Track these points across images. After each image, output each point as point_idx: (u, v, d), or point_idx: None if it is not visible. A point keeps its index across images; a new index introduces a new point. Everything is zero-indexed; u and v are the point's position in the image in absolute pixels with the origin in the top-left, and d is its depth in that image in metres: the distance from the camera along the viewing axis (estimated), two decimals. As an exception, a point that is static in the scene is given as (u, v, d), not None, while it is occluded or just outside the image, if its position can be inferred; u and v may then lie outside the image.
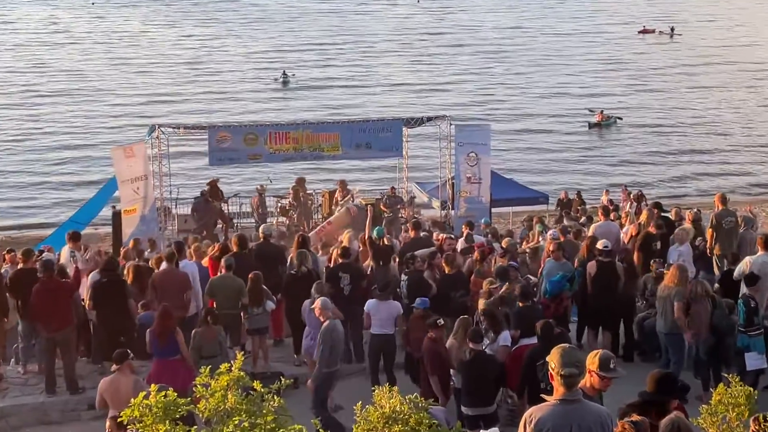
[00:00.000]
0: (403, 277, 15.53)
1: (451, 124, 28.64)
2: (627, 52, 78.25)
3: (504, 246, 17.35)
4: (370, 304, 14.40)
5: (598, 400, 7.42)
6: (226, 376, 6.97)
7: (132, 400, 6.80)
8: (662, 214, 19.06)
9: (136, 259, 17.67)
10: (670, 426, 7.13)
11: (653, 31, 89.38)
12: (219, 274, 15.82)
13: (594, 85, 64.23)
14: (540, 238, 19.46)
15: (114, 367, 11.66)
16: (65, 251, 17.12)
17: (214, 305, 15.02)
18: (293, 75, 65.06)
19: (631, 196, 29.36)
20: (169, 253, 15.91)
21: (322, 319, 12.73)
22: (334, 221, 26.12)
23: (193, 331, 13.82)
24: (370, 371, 14.32)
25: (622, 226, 20.46)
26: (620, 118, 52.64)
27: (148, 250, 20.37)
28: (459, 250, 17.32)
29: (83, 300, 15.34)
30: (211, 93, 61.09)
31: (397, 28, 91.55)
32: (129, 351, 12.00)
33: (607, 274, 15.26)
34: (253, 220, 29.12)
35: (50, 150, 47.01)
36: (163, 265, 16.07)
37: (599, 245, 15.57)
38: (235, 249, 16.63)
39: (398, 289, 15.47)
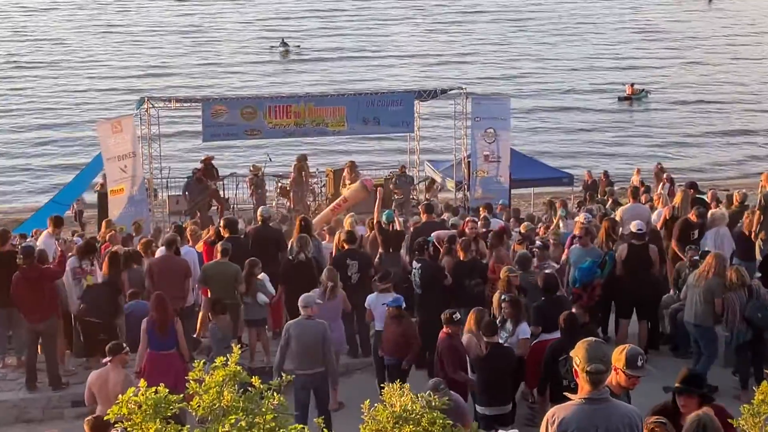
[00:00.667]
0: (416, 264, 15.47)
1: (467, 98, 28.59)
2: (663, 20, 77.78)
3: (522, 231, 17.30)
4: (370, 298, 14.37)
5: (625, 399, 7.39)
6: (222, 371, 6.96)
7: (120, 396, 6.81)
8: (698, 195, 18.99)
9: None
10: (696, 423, 7.11)
11: None
12: (213, 260, 15.82)
13: (626, 57, 63.81)
14: (561, 224, 19.41)
15: (105, 359, 11.71)
16: (43, 236, 17.02)
17: (208, 294, 15.03)
18: (298, 46, 64.75)
19: (665, 175, 29.27)
20: (170, 239, 15.90)
21: (303, 314, 12.57)
22: (350, 197, 26.03)
23: (211, 324, 14.10)
24: (377, 367, 14.32)
25: (653, 209, 20.39)
26: (649, 92, 52.56)
27: (133, 234, 20.37)
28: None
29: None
30: (205, 64, 61.07)
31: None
32: (123, 344, 12.05)
33: (639, 258, 15.25)
34: (251, 202, 29.11)
35: (31, 127, 47.00)
36: (161, 251, 16.06)
37: (633, 227, 15.56)
38: (225, 234, 16.57)
39: (410, 278, 15.43)
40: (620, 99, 51.80)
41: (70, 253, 15.77)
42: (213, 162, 29.21)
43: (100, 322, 14.50)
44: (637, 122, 49.07)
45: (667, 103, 51.79)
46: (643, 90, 52.38)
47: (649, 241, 15.93)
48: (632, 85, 52.57)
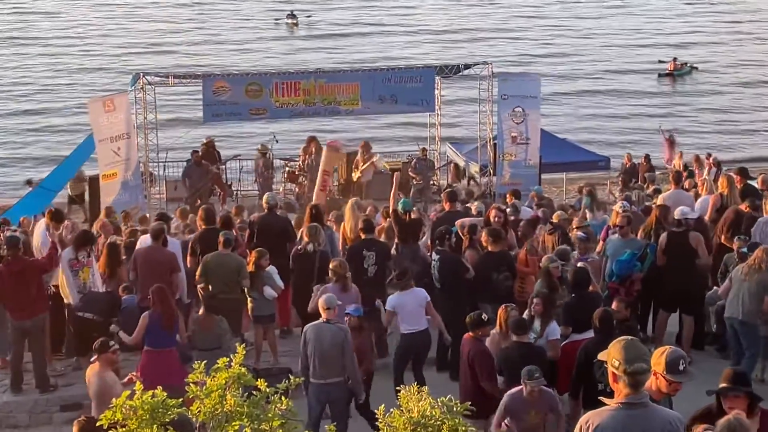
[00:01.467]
0: (435, 256, 15.48)
1: (493, 74, 28.52)
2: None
3: (555, 220, 17.28)
4: (392, 299, 14.22)
5: (666, 405, 7.38)
6: (225, 372, 6.98)
7: (92, 400, 6.84)
8: (747, 181, 18.92)
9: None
10: (726, 427, 7.10)
11: None
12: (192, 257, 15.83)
13: (671, 31, 63.21)
14: (588, 214, 19.38)
15: (93, 357, 11.80)
16: (39, 227, 16.92)
17: (209, 289, 15.06)
18: (309, 16, 64.52)
19: (711, 159, 29.17)
20: (156, 229, 15.83)
21: (323, 316, 12.43)
22: (326, 166, 26.04)
23: (190, 319, 13.94)
24: (396, 370, 14.32)
25: (697, 195, 20.34)
26: (696, 68, 52.29)
27: (121, 224, 20.38)
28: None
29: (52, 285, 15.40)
30: (205, 36, 61.01)
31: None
32: (111, 341, 12.13)
33: (681, 247, 15.24)
34: (256, 188, 29.15)
35: (16, 106, 47.07)
36: (146, 242, 16.04)
37: (677, 213, 15.54)
38: (201, 225, 16.49)
39: (431, 271, 15.44)
40: (660, 75, 51.52)
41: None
42: (215, 144, 29.27)
43: (95, 319, 14.56)
44: (676, 100, 48.80)
45: (716, 83, 51.41)
46: (686, 64, 52.05)
47: (694, 230, 15.92)
48: (675, 60, 52.28)
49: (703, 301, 15.70)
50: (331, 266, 14.41)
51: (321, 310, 12.40)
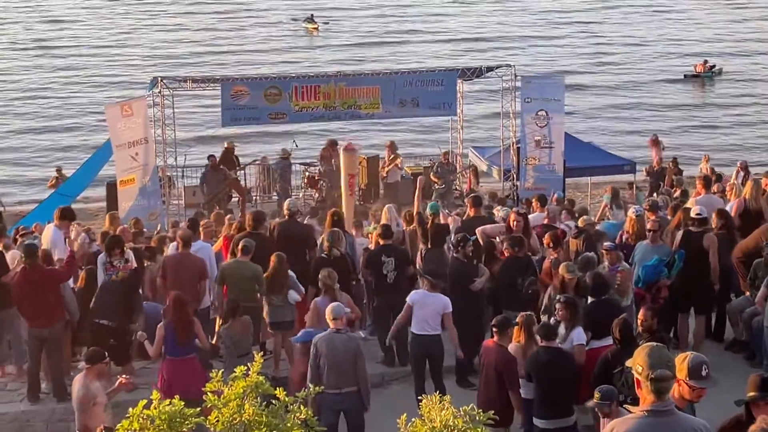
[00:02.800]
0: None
1: (516, 76, 28.49)
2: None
3: (580, 225, 17.24)
4: (416, 294, 14.20)
5: (689, 413, 7.34)
6: (242, 381, 6.98)
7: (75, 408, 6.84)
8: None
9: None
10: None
11: None
12: (232, 257, 15.87)
13: (699, 35, 62.89)
14: (609, 214, 19.30)
15: (82, 364, 11.84)
16: (49, 231, 17.07)
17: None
18: (326, 23, 64.23)
19: (739, 163, 29.06)
20: (186, 236, 15.98)
21: (332, 327, 12.48)
22: (349, 169, 25.90)
23: (220, 329, 14.11)
24: (415, 377, 14.32)
25: (726, 201, 20.24)
26: (721, 70, 52.06)
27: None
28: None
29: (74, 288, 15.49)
30: (224, 40, 61.11)
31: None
32: (105, 353, 12.23)
33: (694, 246, 15.26)
34: (274, 194, 29.17)
35: (31, 114, 47.17)
36: (172, 249, 16.14)
37: (693, 212, 15.54)
38: (249, 228, 16.60)
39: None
40: (686, 77, 51.27)
41: (94, 246, 15.89)
42: (234, 149, 29.30)
43: (110, 325, 14.63)
44: (704, 102, 48.58)
45: (745, 83, 51.11)
46: (714, 66, 51.79)
47: (726, 234, 15.89)
48: (705, 62, 51.95)
49: (713, 302, 15.64)
50: (320, 276, 14.35)
51: (329, 321, 12.42)
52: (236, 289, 15.19)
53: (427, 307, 13.98)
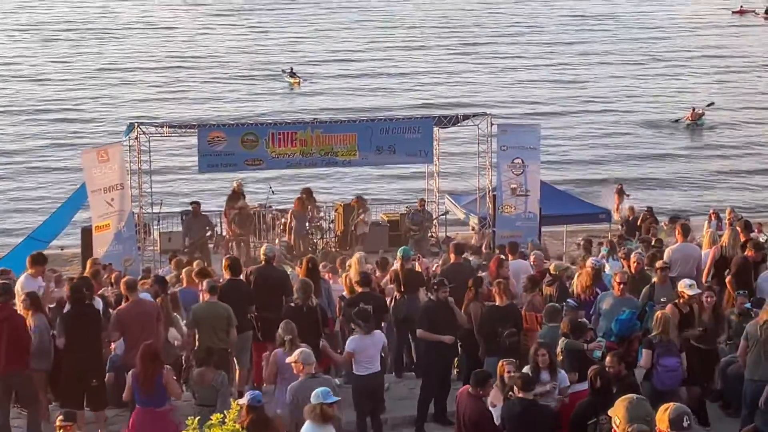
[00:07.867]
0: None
1: (492, 124, 28.64)
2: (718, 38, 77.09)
3: (552, 271, 17.27)
4: (353, 342, 14.25)
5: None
6: (218, 429, 6.94)
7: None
8: (751, 236, 18.92)
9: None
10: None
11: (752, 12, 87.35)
12: (202, 299, 15.90)
13: (678, 82, 63.22)
14: (607, 265, 19.29)
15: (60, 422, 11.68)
16: (23, 279, 16.73)
17: (197, 338, 15.12)
18: (306, 80, 63.45)
19: (710, 211, 29.23)
20: (130, 282, 15.65)
21: (301, 376, 12.59)
22: None
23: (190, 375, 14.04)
24: (359, 422, 14.37)
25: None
26: (713, 103, 52.42)
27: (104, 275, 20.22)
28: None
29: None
30: (201, 86, 61.18)
31: (429, 11, 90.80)
32: (75, 413, 12.20)
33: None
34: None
35: (8, 154, 47.12)
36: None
37: (681, 284, 15.32)
38: (226, 275, 16.58)
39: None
40: (675, 121, 51.09)
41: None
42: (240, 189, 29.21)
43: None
44: (684, 151, 48.65)
45: (722, 133, 51.29)
46: (703, 114, 51.13)
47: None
48: (693, 109, 51.18)
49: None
50: (278, 331, 14.00)
51: (301, 369, 12.52)
52: (209, 330, 15.16)
53: (368, 349, 14.19)
